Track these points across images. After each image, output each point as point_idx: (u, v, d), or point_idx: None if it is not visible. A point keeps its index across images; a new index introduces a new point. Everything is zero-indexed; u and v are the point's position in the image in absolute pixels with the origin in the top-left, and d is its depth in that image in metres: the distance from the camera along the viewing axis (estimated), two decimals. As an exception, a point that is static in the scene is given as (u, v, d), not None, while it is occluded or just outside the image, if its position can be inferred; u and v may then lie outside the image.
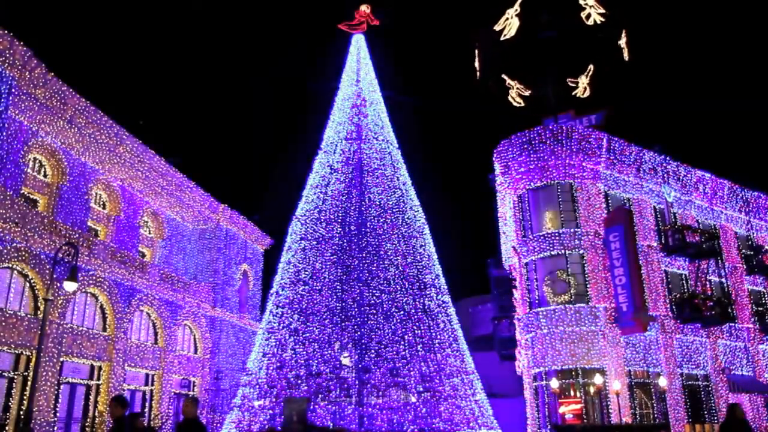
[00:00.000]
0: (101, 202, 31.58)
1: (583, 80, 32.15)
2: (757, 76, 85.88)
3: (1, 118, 22.13)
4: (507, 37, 31.72)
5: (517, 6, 31.56)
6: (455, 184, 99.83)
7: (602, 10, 30.45)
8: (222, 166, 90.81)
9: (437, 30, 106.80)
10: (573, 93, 32.61)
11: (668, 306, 28.32)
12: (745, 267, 32.87)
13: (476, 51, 34.14)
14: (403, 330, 23.87)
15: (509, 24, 31.79)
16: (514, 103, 32.97)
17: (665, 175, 30.77)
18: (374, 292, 24.28)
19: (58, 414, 23.89)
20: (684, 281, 29.88)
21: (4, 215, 22.07)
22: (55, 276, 20.13)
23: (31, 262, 23.18)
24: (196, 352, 34.59)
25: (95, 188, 30.56)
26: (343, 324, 23.98)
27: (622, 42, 31.82)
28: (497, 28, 32.23)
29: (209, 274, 36.71)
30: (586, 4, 30.68)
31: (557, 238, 27.33)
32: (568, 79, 32.77)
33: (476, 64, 34.08)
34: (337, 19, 31.18)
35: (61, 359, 24.33)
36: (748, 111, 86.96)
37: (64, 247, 17.73)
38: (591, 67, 32.10)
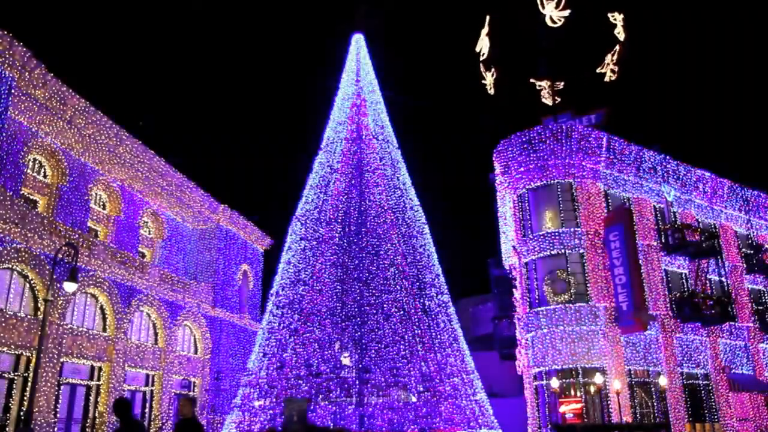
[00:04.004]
0: (101, 203, 31.57)
1: (609, 63, 31.88)
2: (757, 75, 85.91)
3: (0, 118, 22.12)
4: (483, 57, 32.05)
5: (486, 27, 31.85)
6: (455, 184, 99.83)
7: (560, 11, 30.66)
8: (222, 167, 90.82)
9: (436, 29, 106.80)
10: (603, 79, 32.42)
11: (668, 305, 28.31)
12: (745, 266, 32.86)
13: (482, 68, 34.02)
14: (404, 330, 23.87)
15: (483, 44, 32.09)
16: (549, 103, 32.80)
17: (665, 174, 30.77)
18: (374, 292, 24.28)
19: (58, 415, 23.89)
20: (684, 280, 29.87)
21: (4, 216, 22.06)
22: (55, 276, 20.12)
23: (31, 263, 23.17)
24: (196, 352, 34.58)
25: (95, 189, 30.55)
26: (343, 324, 23.98)
27: (620, 31, 31.72)
28: (477, 49, 32.52)
29: (209, 275, 36.71)
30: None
31: (557, 237, 27.33)
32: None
33: (486, 81, 33.90)
34: (337, 18, 31.12)
35: (61, 360, 24.33)
36: (748, 110, 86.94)
37: (64, 248, 17.71)
38: (614, 49, 32.04)
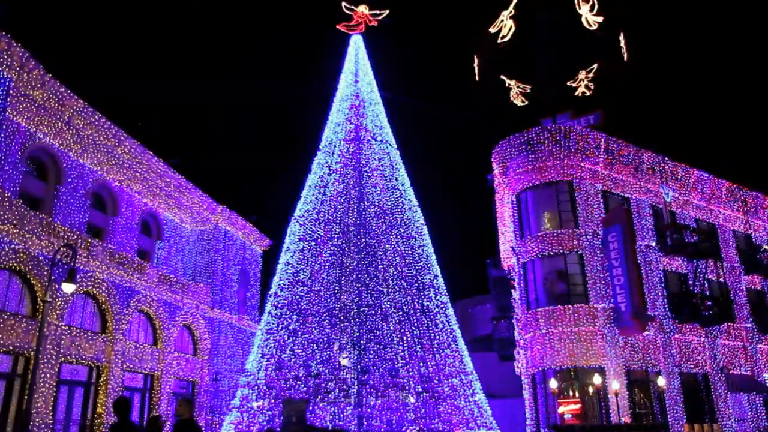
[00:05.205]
0: (99, 204, 31.52)
1: (583, 79, 32.18)
2: (756, 75, 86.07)
3: (-2, 119, 22.09)
4: (503, 39, 32.09)
5: (511, 8, 31.87)
6: (455, 184, 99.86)
7: (594, 16, 30.72)
8: (221, 167, 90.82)
9: (436, 30, 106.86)
10: (574, 93, 32.72)
11: (667, 306, 28.34)
12: (743, 266, 32.91)
13: (474, 57, 34.16)
14: (402, 331, 23.87)
15: (504, 25, 32.09)
16: (518, 103, 33.07)
17: (663, 174, 30.80)
18: (372, 292, 24.27)
19: (56, 416, 23.84)
20: (682, 281, 29.91)
21: (2, 217, 22.03)
22: (53, 277, 20.10)
23: (30, 264, 23.13)
24: (194, 353, 34.54)
25: (93, 189, 30.50)
26: (341, 325, 23.98)
27: (621, 42, 31.88)
28: (493, 30, 32.52)
29: (208, 275, 36.66)
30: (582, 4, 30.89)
31: (556, 238, 27.34)
32: (565, 80, 32.87)
33: (475, 68, 34.07)
34: (336, 19, 31.16)
35: (60, 361, 24.28)
36: (747, 111, 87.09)
37: (62, 249, 17.67)
38: (591, 66, 32.24)
